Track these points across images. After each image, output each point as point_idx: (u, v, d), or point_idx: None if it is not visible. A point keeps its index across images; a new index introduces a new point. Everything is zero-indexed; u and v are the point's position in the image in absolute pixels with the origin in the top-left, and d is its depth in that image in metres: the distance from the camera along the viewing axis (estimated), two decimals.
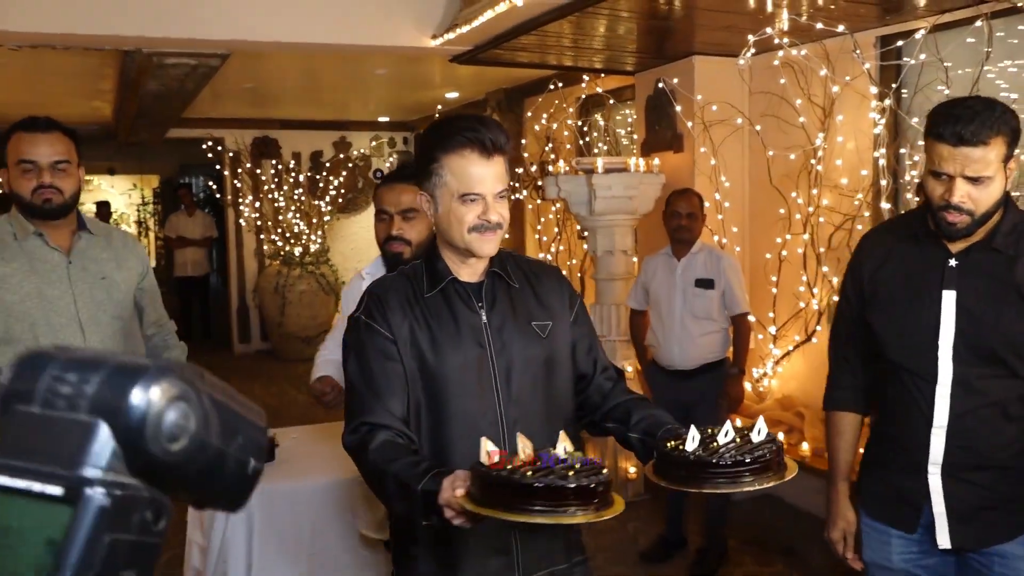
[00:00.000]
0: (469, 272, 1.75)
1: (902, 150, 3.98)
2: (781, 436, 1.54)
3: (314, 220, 9.48)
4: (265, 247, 9.57)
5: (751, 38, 4.09)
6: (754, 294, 4.62)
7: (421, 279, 1.74)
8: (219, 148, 9.30)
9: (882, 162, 3.98)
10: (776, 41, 4.07)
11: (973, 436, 1.88)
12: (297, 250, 9.30)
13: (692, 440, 1.51)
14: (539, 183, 6.81)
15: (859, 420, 2.14)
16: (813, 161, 4.33)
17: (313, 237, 9.44)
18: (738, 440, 1.53)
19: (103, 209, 12.33)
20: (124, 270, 2.58)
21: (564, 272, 1.82)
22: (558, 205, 6.60)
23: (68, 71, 6.03)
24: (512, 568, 1.73)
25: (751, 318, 4.15)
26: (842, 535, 2.14)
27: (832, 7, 3.74)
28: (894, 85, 3.95)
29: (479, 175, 1.66)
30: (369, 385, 1.67)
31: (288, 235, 9.30)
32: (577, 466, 1.40)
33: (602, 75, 5.83)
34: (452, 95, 7.93)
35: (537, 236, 7.08)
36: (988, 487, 1.90)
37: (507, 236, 7.83)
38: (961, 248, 1.90)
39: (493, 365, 1.71)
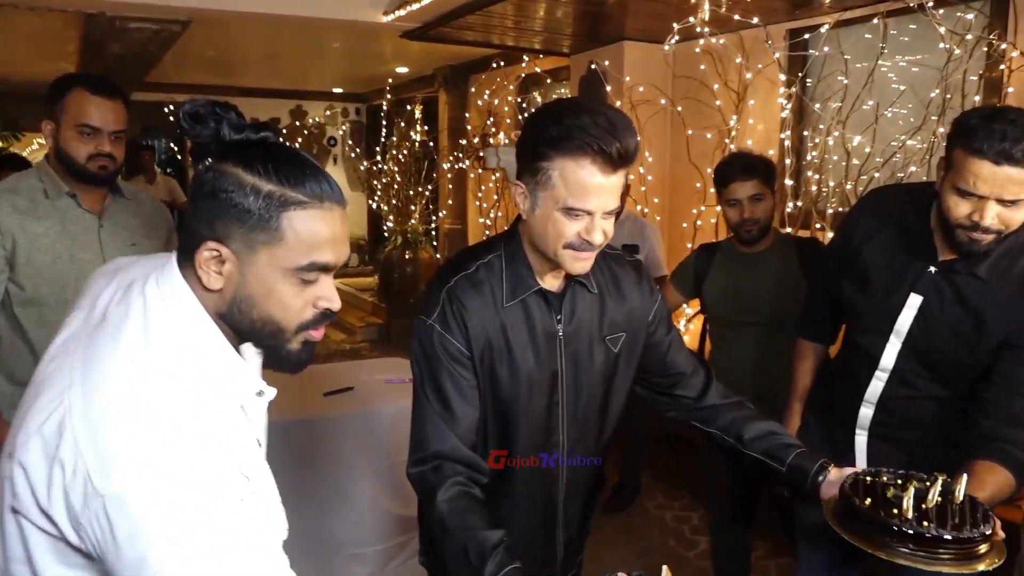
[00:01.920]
0: (552, 279, 1.44)
1: (804, 132, 4.05)
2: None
3: None
4: None
5: (676, 26, 4.10)
6: (672, 259, 4.68)
7: (500, 282, 1.41)
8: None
9: (787, 143, 4.05)
10: (698, 30, 4.08)
11: (897, 414, 1.81)
12: None
13: (908, 501, 1.26)
14: (480, 154, 6.76)
15: (823, 349, 2.08)
16: (727, 140, 4.37)
17: None
18: (951, 507, 1.28)
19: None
20: (154, 238, 2.26)
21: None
22: (498, 174, 6.56)
23: (32, 32, 5.72)
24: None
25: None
26: None
27: (748, 0, 3.76)
28: (800, 74, 4.00)
29: (594, 191, 1.28)
30: (441, 403, 1.38)
31: None
32: None
33: (540, 56, 5.78)
34: (402, 70, 7.78)
35: (478, 203, 7.04)
36: (906, 451, 1.82)
37: (450, 202, 7.83)
38: (946, 259, 1.69)
39: (563, 383, 1.46)
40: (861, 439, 1.87)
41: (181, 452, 0.89)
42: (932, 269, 1.71)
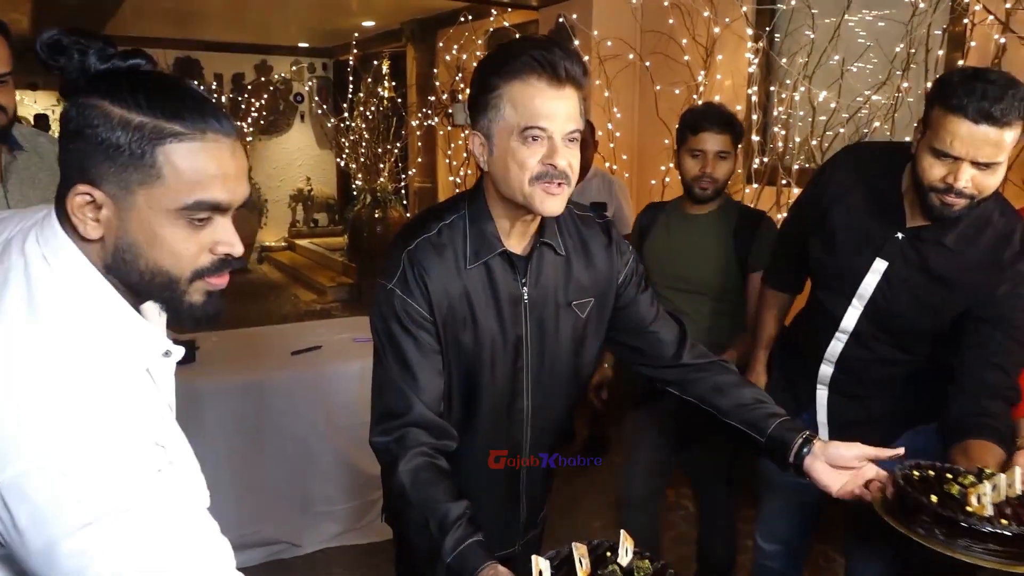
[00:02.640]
0: (518, 238, 1.38)
1: (771, 88, 4.04)
2: None
3: None
4: None
5: None
6: None
7: (463, 243, 1.36)
8: None
9: (754, 98, 4.04)
10: None
11: (855, 372, 1.84)
12: None
13: (984, 498, 1.18)
14: (449, 110, 6.67)
15: (788, 299, 2.11)
16: (695, 96, 4.35)
17: None
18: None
19: (41, 123, 11.41)
20: None
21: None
22: (467, 132, 6.49)
23: None
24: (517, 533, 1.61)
25: None
26: None
27: None
28: (767, 28, 3.97)
29: (547, 107, 1.24)
30: (404, 368, 1.34)
31: None
32: None
33: (509, 9, 5.68)
34: (368, 23, 7.61)
35: (447, 160, 6.96)
36: (865, 408, 1.87)
37: (419, 160, 7.74)
38: (914, 225, 1.68)
39: (528, 349, 1.43)
40: (822, 393, 1.90)
41: (85, 427, 0.81)
42: (899, 235, 1.70)
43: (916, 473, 1.30)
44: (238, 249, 0.94)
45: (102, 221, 0.89)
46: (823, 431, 1.93)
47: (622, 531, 1.17)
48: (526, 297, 1.40)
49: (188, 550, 0.87)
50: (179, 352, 1.01)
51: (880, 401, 1.87)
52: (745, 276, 2.36)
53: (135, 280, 0.92)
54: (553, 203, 1.28)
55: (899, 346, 1.78)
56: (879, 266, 1.72)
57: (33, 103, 14.68)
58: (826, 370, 1.87)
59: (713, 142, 2.31)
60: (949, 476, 1.30)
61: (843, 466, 1.37)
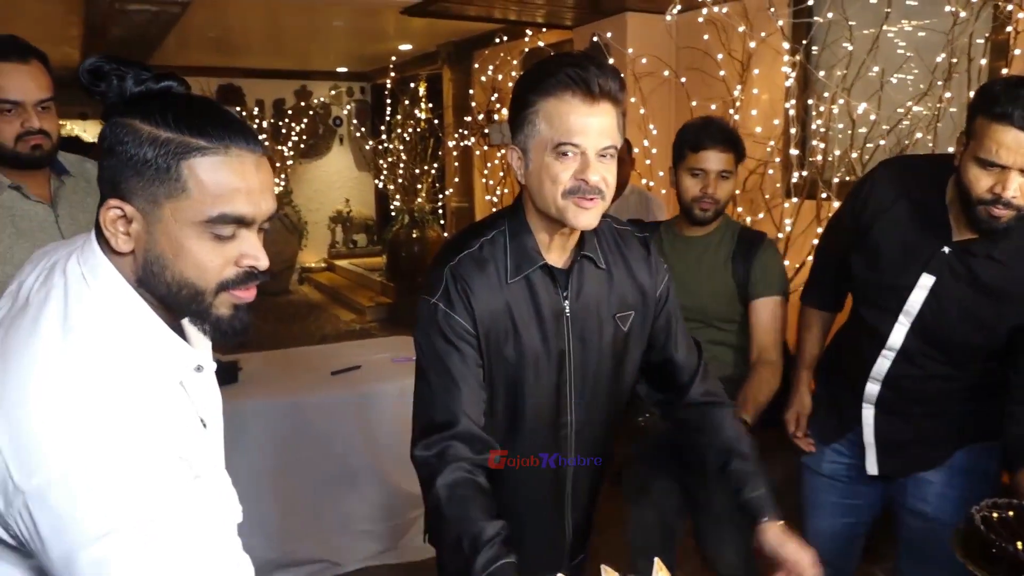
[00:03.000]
0: (558, 251, 1.39)
1: (809, 101, 3.99)
2: None
3: (277, 164, 9.26)
4: None
5: None
6: None
7: (504, 257, 1.37)
8: None
9: (792, 112, 3.99)
10: None
11: (904, 390, 1.80)
12: None
13: None
14: (485, 130, 6.72)
15: (829, 317, 2.06)
16: (732, 111, 4.32)
17: (277, 180, 9.24)
18: None
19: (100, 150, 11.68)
20: None
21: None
22: (503, 151, 6.53)
23: (35, 17, 5.71)
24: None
25: None
26: (795, 417, 2.06)
27: None
28: (804, 41, 3.94)
29: (580, 123, 1.25)
30: (449, 381, 1.34)
31: None
32: None
33: (543, 30, 5.72)
34: (405, 47, 7.73)
35: (484, 180, 7.01)
36: (913, 424, 1.83)
37: (456, 180, 7.80)
38: (962, 238, 1.64)
39: (571, 362, 1.43)
40: (868, 412, 1.86)
41: (106, 439, 0.83)
42: (946, 249, 1.66)
43: (995, 515, 1.25)
44: (263, 262, 0.96)
45: (132, 235, 0.92)
46: (870, 451, 1.89)
47: (656, 560, 1.14)
48: (568, 310, 1.40)
49: (207, 564, 0.88)
50: (211, 367, 1.03)
51: (931, 419, 1.82)
52: (746, 304, 2.18)
53: (163, 292, 0.94)
54: (586, 217, 1.30)
55: (950, 362, 1.74)
56: (926, 281, 1.68)
57: (83, 131, 15.09)
58: (872, 388, 1.83)
59: (715, 161, 2.13)
60: None
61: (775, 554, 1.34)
